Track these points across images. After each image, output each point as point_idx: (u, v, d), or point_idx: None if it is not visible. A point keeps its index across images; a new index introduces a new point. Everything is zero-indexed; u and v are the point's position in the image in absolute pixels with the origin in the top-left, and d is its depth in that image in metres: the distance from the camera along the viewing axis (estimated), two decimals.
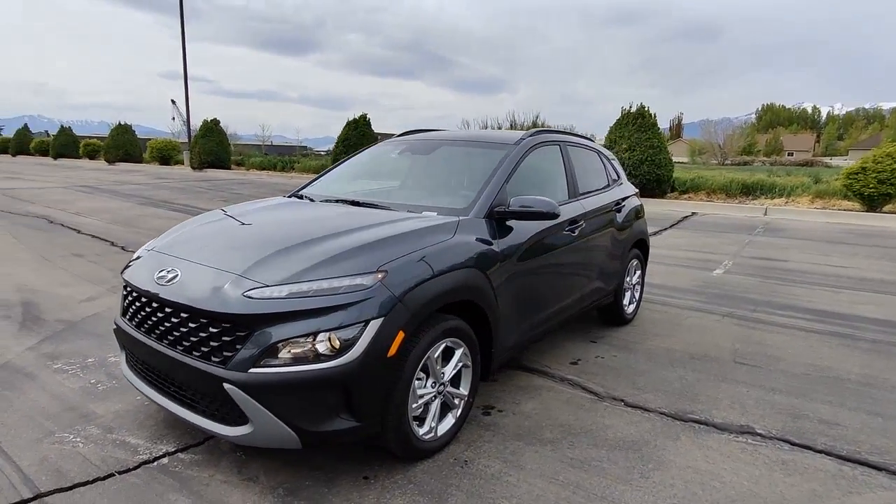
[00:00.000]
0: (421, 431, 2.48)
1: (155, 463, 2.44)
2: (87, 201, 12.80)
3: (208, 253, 2.53)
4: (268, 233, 2.74)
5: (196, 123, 29.23)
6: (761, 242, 8.88)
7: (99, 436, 2.65)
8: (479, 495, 2.29)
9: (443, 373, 2.57)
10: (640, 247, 4.80)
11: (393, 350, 2.21)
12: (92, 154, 36.70)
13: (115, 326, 2.68)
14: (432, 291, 2.39)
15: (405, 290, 2.28)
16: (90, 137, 42.08)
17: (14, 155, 44.97)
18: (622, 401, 3.29)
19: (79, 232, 8.59)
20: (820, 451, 2.73)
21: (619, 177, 4.65)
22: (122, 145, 32.16)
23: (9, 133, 49.16)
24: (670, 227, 10.42)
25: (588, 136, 4.64)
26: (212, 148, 26.08)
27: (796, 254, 7.93)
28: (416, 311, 2.30)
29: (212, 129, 26.57)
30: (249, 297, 2.14)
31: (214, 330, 2.16)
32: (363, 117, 18.88)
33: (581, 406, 3.19)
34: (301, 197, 3.54)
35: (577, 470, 2.50)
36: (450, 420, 2.67)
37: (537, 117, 20.03)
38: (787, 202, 13.09)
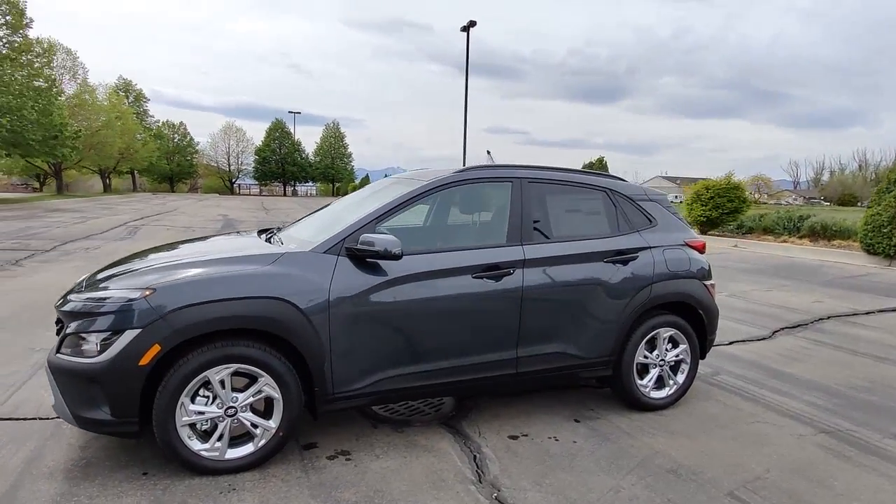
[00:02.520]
0: (198, 446, 2.60)
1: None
2: None
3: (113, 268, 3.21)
4: (169, 253, 3.27)
5: None
6: None
7: None
8: None
9: (235, 397, 2.65)
10: (684, 313, 3.68)
11: (145, 360, 2.45)
12: None
13: None
14: (207, 314, 2.53)
15: (171, 309, 2.49)
16: None
17: None
18: (497, 490, 2.69)
19: None
20: None
21: (651, 221, 3.70)
22: None
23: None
24: None
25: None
26: None
27: None
28: (180, 328, 2.49)
29: None
30: (67, 299, 2.71)
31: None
32: (600, 160, 18.49)
33: (438, 481, 2.74)
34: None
35: None
36: (249, 447, 2.70)
37: None
38: None
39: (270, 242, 3.26)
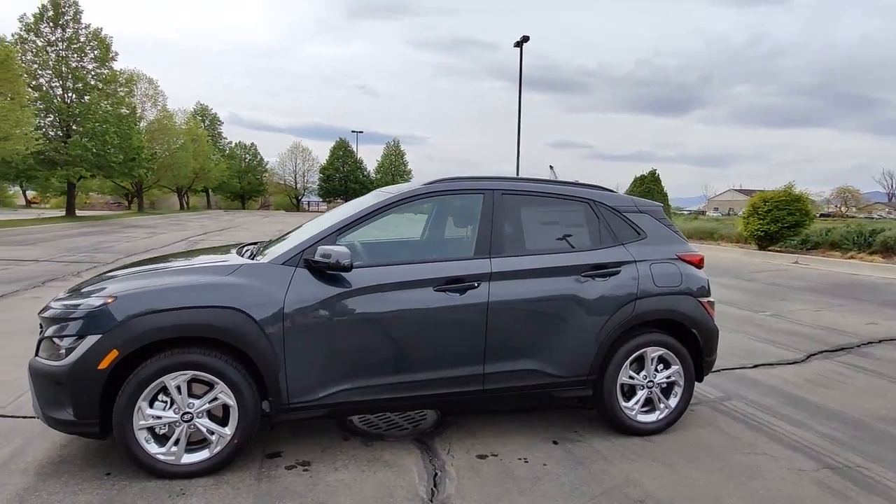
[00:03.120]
0: (154, 450, 2.69)
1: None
2: None
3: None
4: (157, 264, 3.43)
5: None
6: None
7: None
8: None
9: (192, 403, 2.73)
10: (676, 332, 3.45)
11: (104, 364, 2.58)
12: None
13: None
14: (162, 322, 2.64)
15: (129, 316, 2.62)
16: None
17: None
18: None
19: None
20: None
21: (640, 234, 3.50)
22: None
23: None
24: None
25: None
26: None
27: None
28: (138, 335, 2.61)
29: None
30: (48, 306, 2.90)
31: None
32: (652, 173, 17.77)
33: (387, 497, 2.69)
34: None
35: None
36: (205, 453, 2.77)
37: None
38: None
39: (243, 254, 3.36)
